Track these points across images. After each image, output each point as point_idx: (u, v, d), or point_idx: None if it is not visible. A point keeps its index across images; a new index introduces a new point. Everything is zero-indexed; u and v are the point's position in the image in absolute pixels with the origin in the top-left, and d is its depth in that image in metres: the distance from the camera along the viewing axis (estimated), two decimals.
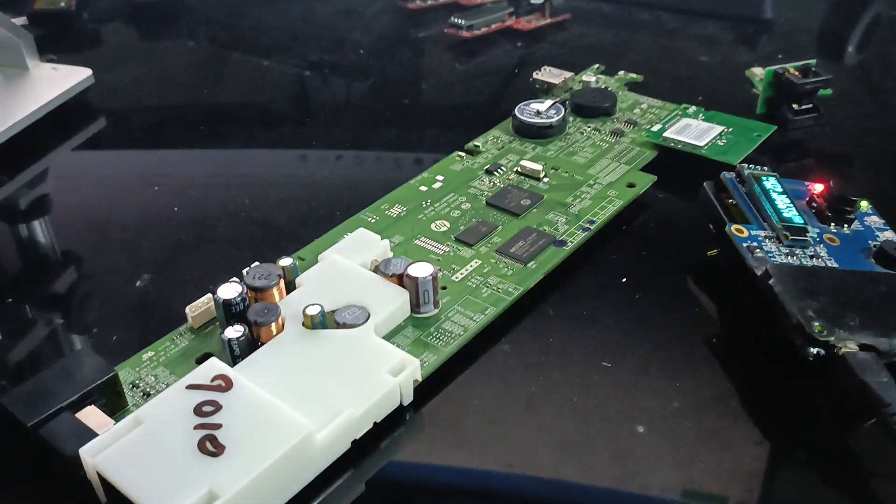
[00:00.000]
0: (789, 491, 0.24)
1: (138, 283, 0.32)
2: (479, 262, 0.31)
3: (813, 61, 0.42)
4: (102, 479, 0.22)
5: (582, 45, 0.52)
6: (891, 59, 0.52)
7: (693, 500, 0.23)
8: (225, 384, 0.24)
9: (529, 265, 0.31)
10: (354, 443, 0.25)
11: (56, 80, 0.43)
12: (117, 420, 0.24)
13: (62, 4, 0.55)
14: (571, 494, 0.24)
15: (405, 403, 0.26)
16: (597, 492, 0.24)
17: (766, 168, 0.33)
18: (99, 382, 0.25)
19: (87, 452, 0.22)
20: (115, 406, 0.25)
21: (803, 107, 0.41)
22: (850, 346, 0.25)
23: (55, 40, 0.52)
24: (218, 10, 0.59)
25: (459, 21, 0.52)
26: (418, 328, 0.28)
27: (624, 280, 0.31)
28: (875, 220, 0.32)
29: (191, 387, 0.24)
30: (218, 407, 0.23)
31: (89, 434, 0.23)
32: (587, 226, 0.33)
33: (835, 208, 0.31)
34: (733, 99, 0.43)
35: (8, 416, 0.24)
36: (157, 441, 0.23)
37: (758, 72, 0.44)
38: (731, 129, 0.39)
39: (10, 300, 0.32)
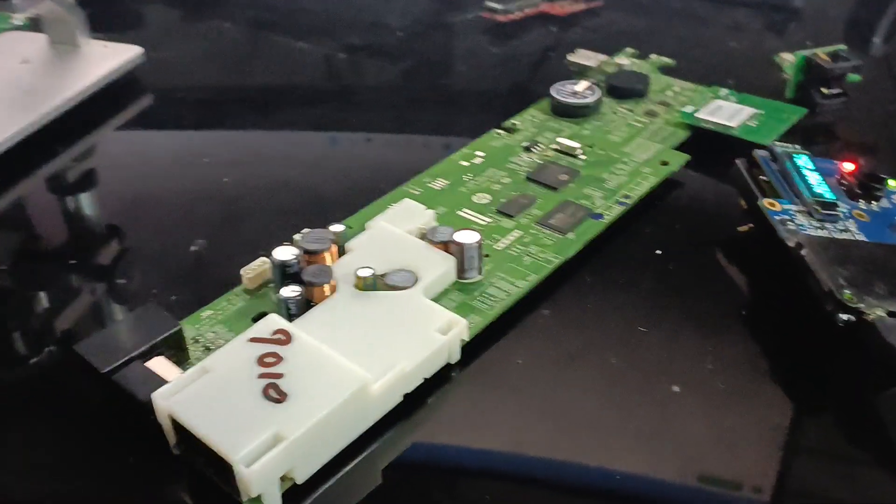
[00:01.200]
0: (816, 447, 0.26)
1: (193, 248, 0.34)
2: (521, 232, 0.32)
3: (843, 47, 0.43)
4: (174, 423, 0.24)
5: (614, 30, 0.53)
6: None
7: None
8: (285, 338, 0.26)
9: (569, 235, 0.32)
10: (406, 396, 0.26)
11: (107, 57, 0.45)
12: (183, 371, 0.25)
13: None
14: (610, 450, 0.25)
15: (452, 361, 0.27)
16: (633, 448, 0.25)
17: (797, 147, 0.34)
18: (166, 335, 0.26)
19: (160, 396, 0.24)
20: (181, 358, 0.27)
21: (833, 91, 0.42)
22: (878, 313, 0.26)
23: (102, 19, 0.53)
24: None
25: (495, 5, 0.53)
26: (463, 292, 0.29)
27: (658, 251, 0.33)
28: None
29: (253, 339, 0.26)
30: (279, 358, 0.25)
31: (159, 381, 0.25)
32: (623, 200, 0.34)
33: (864, 185, 0.32)
34: (763, 84, 0.44)
35: (83, 363, 0.25)
36: (223, 388, 0.24)
37: (787, 57, 0.45)
38: (762, 112, 0.40)
39: (74, 262, 0.33)
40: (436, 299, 0.29)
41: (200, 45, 0.53)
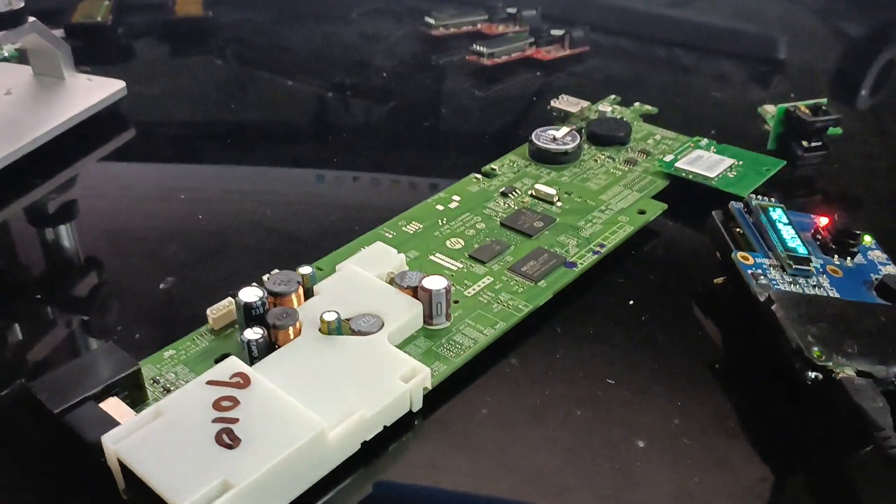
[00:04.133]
0: None
1: (162, 286, 0.33)
2: (492, 278, 0.32)
3: (824, 100, 0.43)
4: (123, 466, 0.23)
5: (599, 77, 0.54)
6: None
7: None
8: (243, 381, 0.25)
9: (540, 284, 0.32)
10: (364, 444, 0.25)
11: (91, 91, 0.45)
12: (138, 412, 0.25)
13: (98, 18, 0.57)
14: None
15: (415, 409, 0.27)
16: (598, 501, 0.25)
17: (773, 199, 0.34)
18: (122, 375, 0.26)
19: (109, 439, 0.23)
20: (137, 399, 0.26)
21: (813, 144, 0.42)
22: (847, 372, 0.26)
23: (90, 52, 0.53)
24: (246, 30, 0.61)
25: (481, 48, 0.53)
26: (430, 339, 0.29)
27: (631, 302, 0.32)
28: (878, 255, 0.33)
29: (210, 382, 0.25)
30: (236, 402, 0.24)
31: (112, 423, 0.24)
32: (598, 249, 0.34)
33: (838, 241, 0.32)
34: (745, 135, 0.44)
35: (35, 402, 0.25)
36: (176, 432, 0.24)
37: (770, 109, 0.45)
38: (741, 163, 0.40)
39: (39, 297, 0.33)
40: (402, 345, 0.29)
41: (186, 81, 0.53)
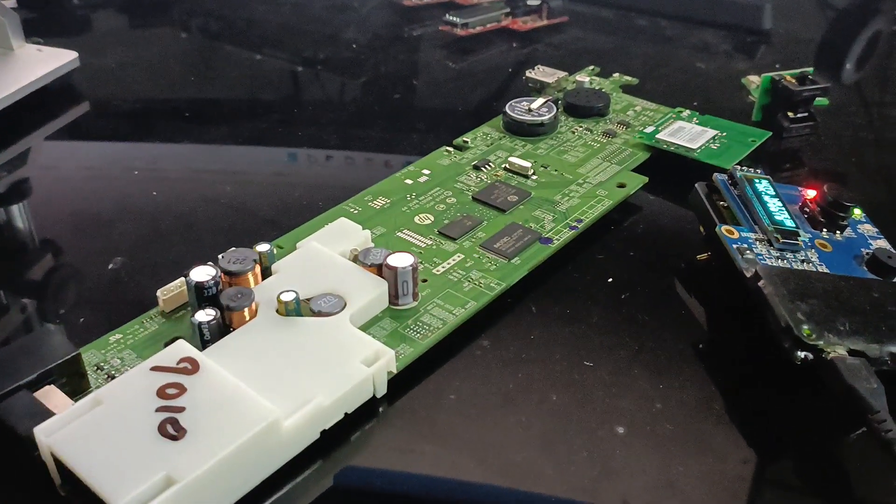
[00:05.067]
0: (771, 497, 0.23)
1: (110, 266, 0.31)
2: (463, 256, 0.30)
3: (810, 69, 0.41)
4: (56, 460, 0.21)
5: (578, 48, 0.52)
6: (888, 74, 0.51)
7: None
8: (191, 367, 0.23)
9: (514, 261, 0.30)
10: (324, 433, 0.24)
11: (41, 61, 0.43)
12: (76, 402, 0.23)
13: None
14: (545, 495, 0.23)
15: (378, 395, 0.25)
16: (573, 492, 0.23)
17: (759, 171, 0.32)
18: (60, 362, 0.24)
19: (41, 432, 0.21)
20: (77, 388, 0.24)
21: (799, 115, 0.40)
22: (839, 351, 0.24)
23: (45, 24, 0.51)
24: (211, 1, 0.58)
25: (454, 19, 0.51)
26: (396, 320, 0.27)
27: (610, 280, 0.31)
28: (868, 228, 0.31)
29: (155, 368, 0.23)
30: (182, 390, 0.23)
31: (46, 414, 0.22)
32: (574, 224, 0.32)
33: (827, 213, 0.31)
34: (729, 106, 0.43)
35: None
36: (115, 423, 0.22)
37: (754, 79, 0.43)
38: (724, 134, 0.38)
39: None
40: (365, 326, 0.27)
41: (146, 53, 0.51)
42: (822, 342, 0.24)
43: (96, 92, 0.45)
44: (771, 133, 0.39)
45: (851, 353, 0.25)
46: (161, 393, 0.22)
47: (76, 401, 0.23)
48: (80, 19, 0.55)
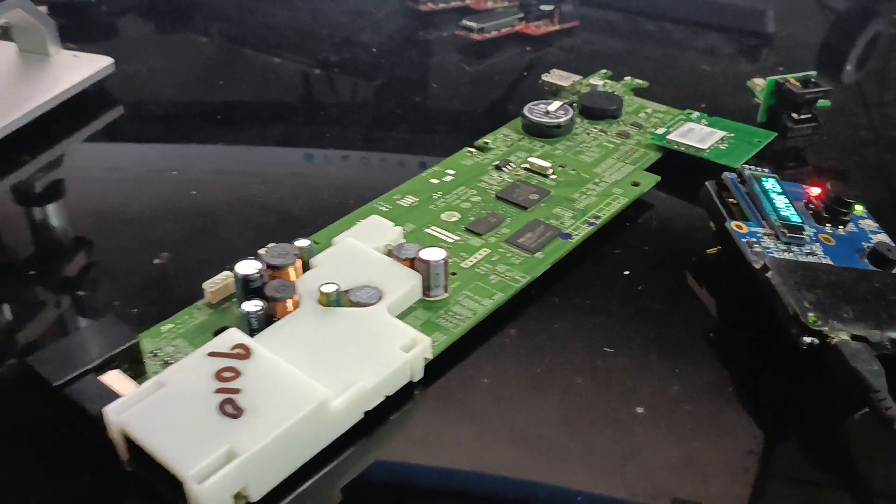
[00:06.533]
0: (782, 471, 0.25)
1: (157, 261, 0.33)
2: (489, 250, 0.32)
3: (813, 73, 0.43)
4: (126, 438, 0.23)
5: (589, 51, 0.54)
6: (888, 75, 0.53)
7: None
8: (244, 352, 0.25)
9: (537, 255, 0.32)
10: (367, 414, 0.26)
11: (77, 67, 0.44)
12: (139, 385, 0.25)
13: None
14: (574, 472, 0.25)
15: (415, 379, 0.27)
16: (599, 468, 0.25)
17: (766, 170, 0.34)
18: (122, 348, 0.26)
19: (112, 411, 0.23)
20: (136, 373, 0.26)
21: (802, 116, 0.42)
22: (842, 337, 0.26)
23: (75, 30, 0.53)
24: (232, 6, 0.60)
25: (470, 24, 0.53)
26: (429, 310, 0.29)
27: (626, 273, 0.33)
28: (869, 224, 0.33)
29: (212, 354, 0.25)
30: (237, 373, 0.24)
31: (112, 395, 0.24)
32: (592, 220, 0.34)
33: (831, 209, 0.32)
34: (735, 108, 0.44)
35: (35, 375, 0.25)
36: (178, 403, 0.24)
37: (759, 82, 0.45)
38: (732, 135, 0.40)
39: (34, 272, 0.33)
40: (401, 317, 0.29)
41: (173, 58, 0.53)
42: (826, 328, 0.26)
43: (129, 96, 0.46)
44: (776, 134, 0.40)
45: (854, 338, 0.26)
46: (218, 376, 0.24)
47: (139, 384, 0.25)
48: (107, 26, 0.57)
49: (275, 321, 0.27)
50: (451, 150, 0.39)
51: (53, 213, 0.37)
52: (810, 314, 0.27)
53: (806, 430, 0.26)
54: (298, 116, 0.46)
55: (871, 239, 0.32)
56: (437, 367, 0.28)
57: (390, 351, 0.26)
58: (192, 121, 0.46)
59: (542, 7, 0.56)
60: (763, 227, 0.31)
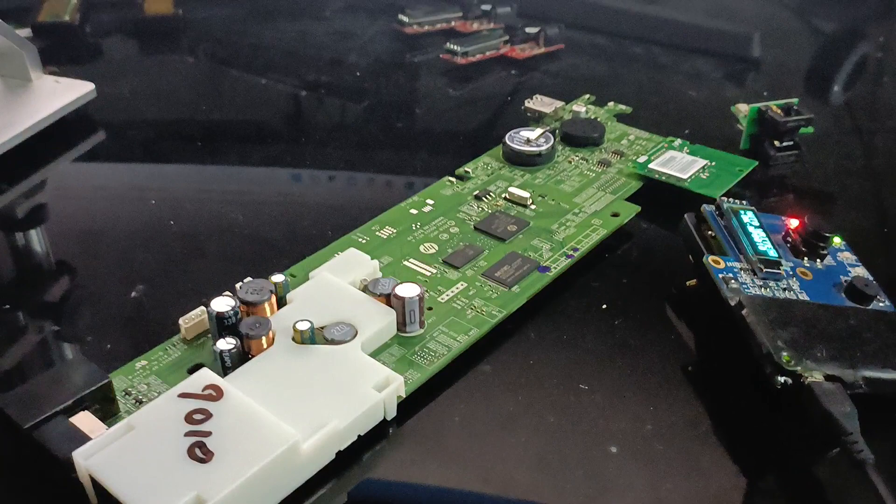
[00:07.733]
0: None
1: (133, 294, 0.33)
2: (465, 284, 0.32)
3: (795, 100, 0.43)
4: (94, 482, 0.23)
5: (574, 75, 0.54)
6: (873, 101, 0.53)
7: None
8: (216, 393, 0.25)
9: (513, 289, 0.32)
10: (339, 454, 0.25)
11: (58, 93, 0.44)
12: (109, 426, 0.25)
13: (66, 18, 0.56)
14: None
15: (388, 418, 0.27)
16: None
17: (745, 202, 0.34)
18: (93, 388, 0.25)
19: (80, 455, 0.23)
20: (108, 412, 0.26)
21: (785, 144, 0.42)
22: (816, 376, 0.26)
23: (57, 52, 0.53)
24: (218, 28, 0.60)
25: (455, 47, 0.53)
26: (404, 346, 0.29)
27: (604, 306, 0.32)
28: (847, 256, 0.33)
29: (182, 395, 0.25)
30: (208, 415, 0.24)
31: (82, 438, 0.24)
32: (571, 253, 0.34)
33: (808, 243, 0.32)
34: (719, 134, 0.45)
35: (3, 417, 0.24)
36: (147, 446, 0.23)
37: (743, 108, 0.45)
38: (714, 164, 0.40)
39: (7, 307, 0.32)
40: (376, 352, 0.29)
41: (157, 81, 0.53)
42: (800, 368, 0.26)
43: (110, 120, 0.46)
44: (757, 163, 0.40)
45: (828, 377, 0.26)
46: (189, 418, 0.24)
47: (109, 425, 0.25)
48: (92, 47, 0.57)
49: (249, 357, 0.27)
50: (434, 176, 0.39)
51: (32, 241, 0.37)
52: (784, 353, 0.27)
53: (780, 470, 0.26)
54: (281, 140, 0.46)
55: (849, 272, 0.32)
56: (410, 405, 0.27)
57: (363, 390, 0.26)
58: (173, 146, 0.45)
59: (528, 30, 0.56)
60: (740, 261, 0.31)
